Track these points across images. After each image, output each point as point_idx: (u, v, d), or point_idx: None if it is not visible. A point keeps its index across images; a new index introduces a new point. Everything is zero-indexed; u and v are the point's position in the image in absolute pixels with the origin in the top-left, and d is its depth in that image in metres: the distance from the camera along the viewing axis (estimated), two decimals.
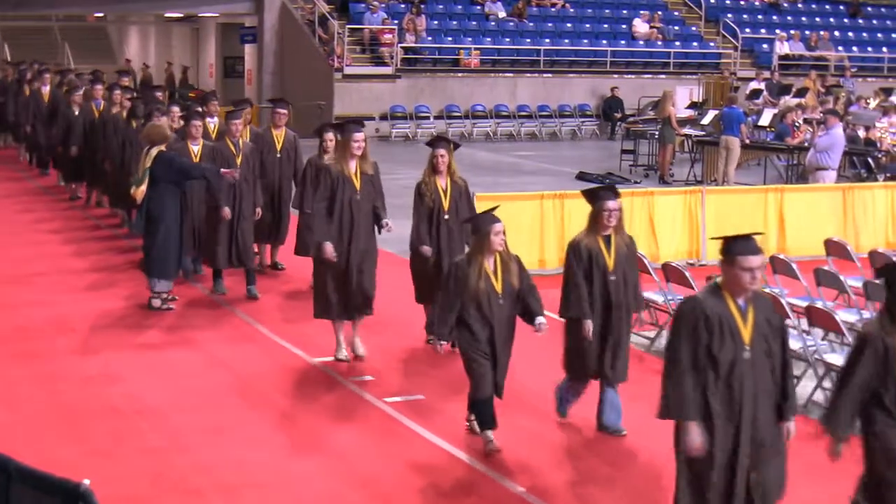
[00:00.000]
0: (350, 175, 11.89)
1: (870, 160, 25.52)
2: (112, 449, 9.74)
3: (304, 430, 10.34)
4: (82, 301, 14.60)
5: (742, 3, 42.60)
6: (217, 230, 14.68)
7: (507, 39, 37.40)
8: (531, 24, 38.19)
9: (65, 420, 10.46)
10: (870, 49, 41.83)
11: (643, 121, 31.05)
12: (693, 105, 31.75)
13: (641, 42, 38.83)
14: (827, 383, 11.12)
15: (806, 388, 11.23)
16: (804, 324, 11.63)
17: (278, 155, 16.07)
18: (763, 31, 41.00)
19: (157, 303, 14.23)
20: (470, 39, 36.83)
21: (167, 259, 14.08)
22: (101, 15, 47.47)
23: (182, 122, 16.30)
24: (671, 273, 13.06)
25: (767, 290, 11.91)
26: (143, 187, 14.31)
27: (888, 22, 44.03)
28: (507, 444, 9.80)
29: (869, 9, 44.40)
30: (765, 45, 40.01)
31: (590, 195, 10.15)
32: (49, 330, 13.36)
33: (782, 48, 39.36)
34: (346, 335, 12.24)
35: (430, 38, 36.41)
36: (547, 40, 37.64)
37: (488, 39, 37.16)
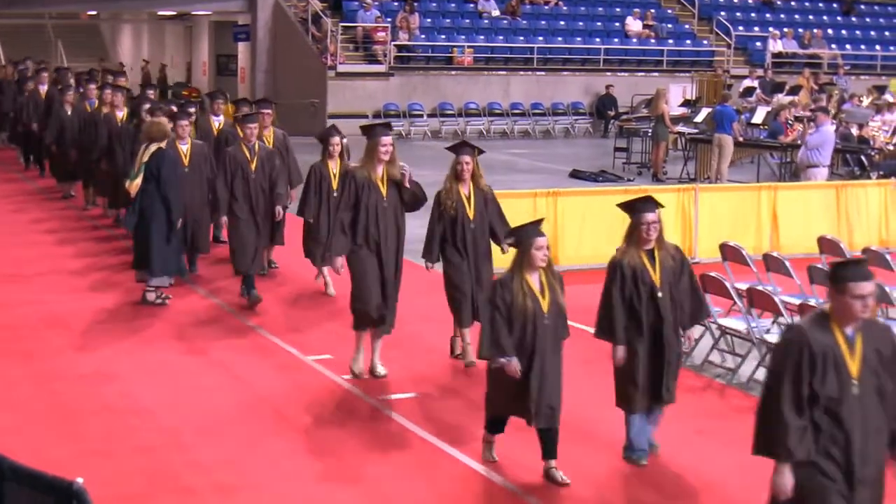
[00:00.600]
0: (377, 181, 11.26)
1: (863, 158, 25.55)
2: (106, 447, 9.73)
3: (299, 430, 10.33)
4: (76, 299, 14.59)
5: (735, 0, 42.64)
6: (240, 236, 14.24)
7: (501, 37, 37.41)
8: (524, 21, 38.20)
9: (59, 418, 10.45)
10: (863, 47, 41.88)
11: (636, 119, 31.07)
12: (686, 103, 31.78)
13: (635, 40, 38.85)
14: None
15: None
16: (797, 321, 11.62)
17: None
18: (756, 28, 41.04)
19: (151, 297, 14.24)
20: (463, 37, 36.83)
21: (160, 255, 14.08)
22: (94, 13, 47.43)
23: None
24: None
25: (760, 288, 11.95)
26: (138, 181, 14.35)
27: (881, 20, 44.09)
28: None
29: (862, 7, 44.47)
30: (758, 43, 40.05)
31: (627, 207, 9.49)
32: (43, 328, 13.34)
33: (775, 46, 39.40)
34: (366, 349, 11.65)
35: (423, 36, 36.40)
36: (540, 38, 37.66)
37: (482, 37, 37.17)
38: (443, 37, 36.78)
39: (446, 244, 11.74)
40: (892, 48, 41.88)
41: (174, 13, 45.31)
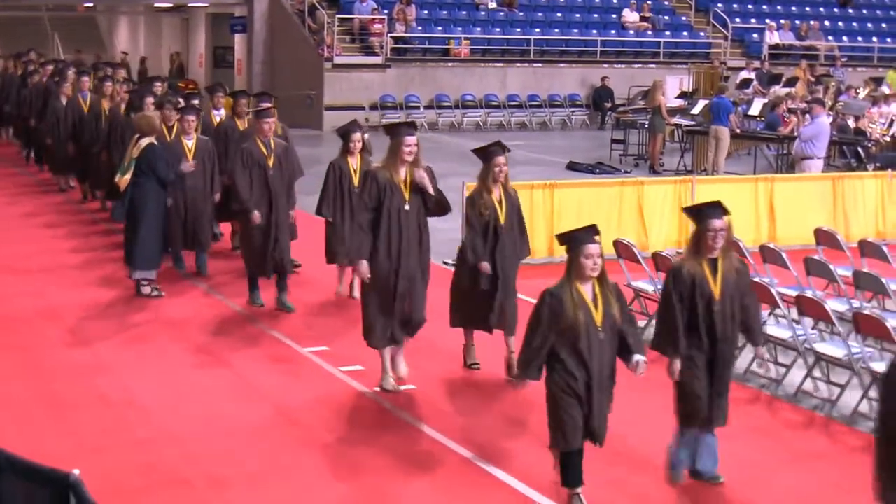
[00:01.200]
0: (399, 183, 10.66)
1: (859, 150, 25.55)
2: (102, 440, 9.73)
3: (295, 422, 10.33)
4: (72, 292, 14.57)
5: None
6: (252, 238, 13.62)
7: (497, 29, 37.36)
8: (521, 13, 38.15)
9: (54, 411, 10.45)
10: (860, 39, 41.86)
11: (633, 110, 31.04)
12: (683, 95, 31.75)
13: (631, 32, 38.80)
14: (817, 372, 11.15)
15: (796, 377, 11.26)
16: (794, 313, 11.65)
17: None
18: (753, 20, 41.00)
19: (146, 290, 14.24)
20: (460, 29, 36.78)
21: (146, 249, 14.08)
22: (90, 5, 47.36)
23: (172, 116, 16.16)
24: (661, 262, 13.07)
25: (757, 280, 11.95)
26: (128, 176, 14.32)
27: (878, 12, 44.05)
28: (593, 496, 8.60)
29: None
30: (755, 35, 40.02)
31: (694, 213, 8.95)
32: (38, 321, 13.33)
33: (772, 38, 39.36)
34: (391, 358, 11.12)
35: (419, 28, 36.35)
36: (537, 30, 37.61)
37: (478, 29, 37.11)
38: (439, 28, 36.72)
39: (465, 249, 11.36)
40: (888, 40, 41.85)
41: (171, 5, 45.25)
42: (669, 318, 8.69)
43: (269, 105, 15.39)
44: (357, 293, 13.33)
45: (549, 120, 36.44)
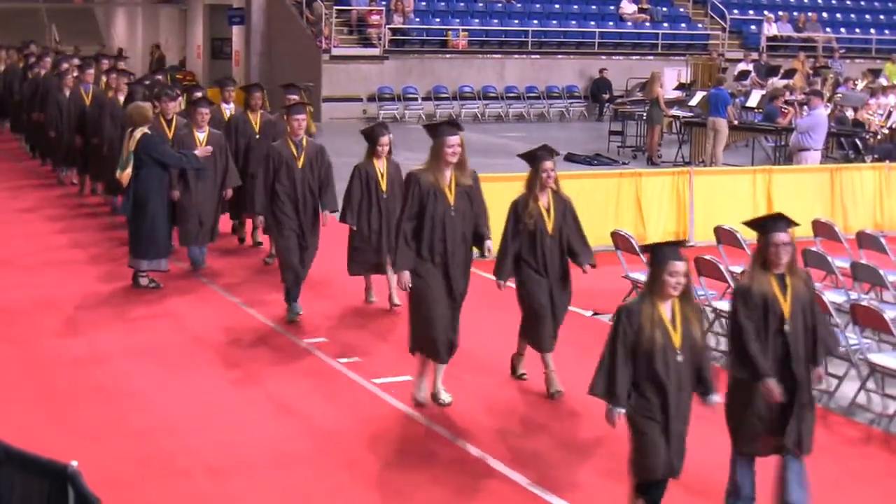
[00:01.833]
0: (443, 188, 10.04)
1: (857, 141, 25.55)
2: (100, 431, 9.73)
3: (294, 412, 10.33)
4: (69, 283, 14.56)
5: None
6: (286, 244, 12.91)
7: (495, 20, 37.34)
8: (519, 4, 38.11)
9: (52, 402, 10.44)
10: (858, 30, 41.82)
11: (631, 102, 31.04)
12: (681, 86, 31.74)
13: (629, 23, 38.78)
14: None
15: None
16: None
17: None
18: (751, 12, 40.97)
19: (143, 281, 14.23)
20: (458, 20, 36.76)
21: (154, 241, 14.07)
22: None
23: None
24: None
25: None
26: (129, 170, 14.31)
27: (876, 3, 44.01)
28: None
29: None
30: (753, 27, 40.00)
31: (758, 226, 8.26)
32: (36, 312, 13.32)
33: (770, 29, 39.34)
34: (428, 375, 10.48)
35: (417, 20, 36.32)
36: (535, 21, 37.58)
37: (476, 20, 37.09)
38: (437, 20, 36.70)
39: (521, 261, 10.60)
40: (886, 32, 41.82)
41: None
42: (744, 342, 8.01)
43: (297, 99, 15.20)
44: (397, 301, 13.25)
45: (547, 111, 36.43)
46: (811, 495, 8.19)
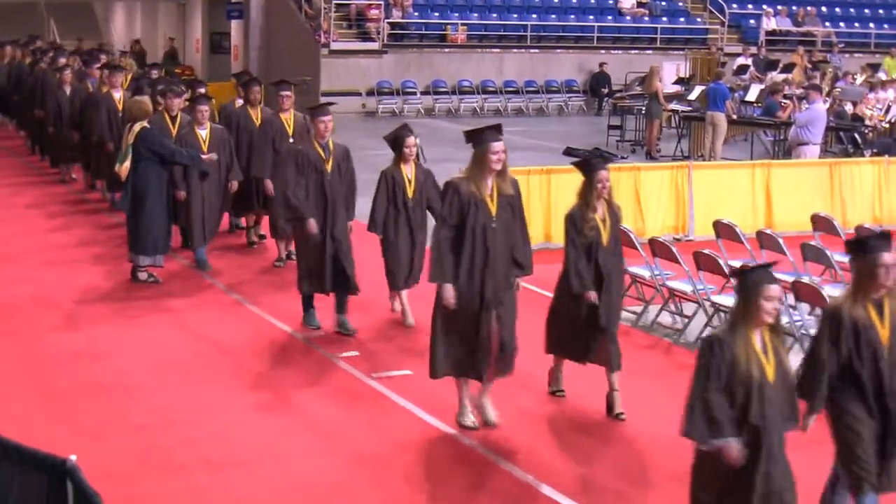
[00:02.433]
0: (485, 197, 9.43)
1: (857, 135, 25.54)
2: (98, 426, 9.73)
3: (293, 407, 10.33)
4: (68, 279, 14.55)
5: None
6: (308, 251, 12.19)
7: (494, 15, 37.30)
8: None
9: (50, 397, 10.45)
10: (857, 25, 41.79)
11: (630, 96, 30.98)
12: (680, 80, 31.70)
13: (628, 17, 38.75)
14: None
15: (793, 362, 11.21)
16: (791, 299, 11.65)
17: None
18: (750, 6, 40.92)
19: (142, 276, 14.22)
20: (457, 15, 36.72)
21: (152, 236, 14.06)
22: None
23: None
24: (658, 248, 13.06)
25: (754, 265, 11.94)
26: (127, 164, 14.31)
27: None
28: None
29: None
30: (752, 21, 39.95)
31: (858, 246, 7.51)
32: (34, 307, 13.32)
33: (769, 24, 39.30)
34: (471, 395, 9.84)
35: (416, 14, 36.29)
36: (534, 16, 37.55)
37: (475, 15, 37.06)
38: (436, 14, 36.66)
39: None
40: (885, 26, 41.76)
41: None
42: (817, 366, 7.47)
43: (290, 95, 15.11)
44: (411, 320, 12.60)
45: (546, 106, 36.40)
46: None
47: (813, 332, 11.11)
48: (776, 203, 18.05)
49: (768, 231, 13.97)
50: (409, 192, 12.43)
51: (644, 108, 27.64)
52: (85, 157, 20.27)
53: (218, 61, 41.30)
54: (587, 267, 9.91)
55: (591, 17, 38.21)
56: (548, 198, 16.55)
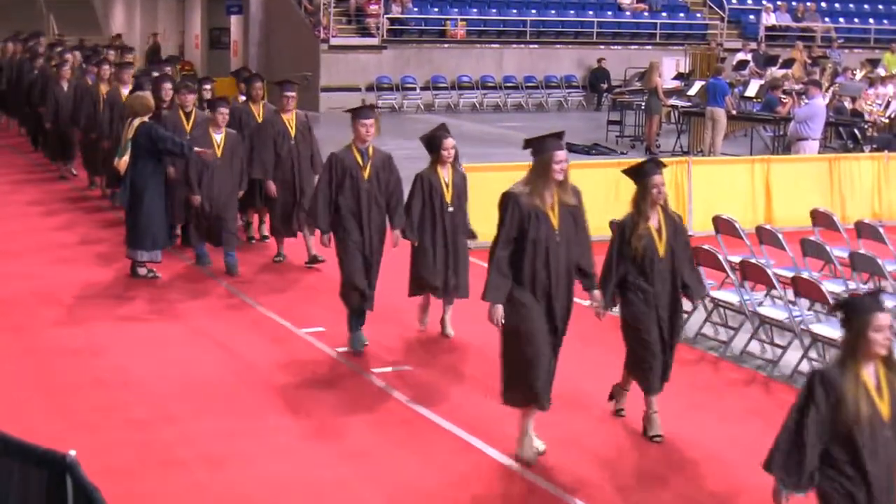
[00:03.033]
0: (546, 209, 8.79)
1: (856, 131, 25.54)
2: (97, 421, 9.73)
3: (291, 403, 10.32)
4: (68, 274, 14.55)
5: None
6: (350, 261, 11.37)
7: (494, 10, 37.27)
8: None
9: (50, 392, 10.45)
10: (856, 20, 41.75)
11: (630, 92, 31.01)
12: (679, 76, 31.70)
13: (628, 13, 38.73)
14: (812, 353, 11.15)
15: (792, 358, 11.25)
16: (790, 294, 11.65)
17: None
18: (750, 1, 40.87)
19: (142, 271, 14.22)
20: (456, 10, 36.70)
21: (151, 230, 14.04)
22: None
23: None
24: None
25: (753, 261, 11.96)
26: (126, 158, 14.30)
27: None
28: None
29: None
30: (751, 16, 39.93)
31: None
32: (34, 303, 13.32)
33: (769, 19, 39.28)
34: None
35: (416, 9, 36.27)
36: (533, 11, 37.52)
37: (475, 10, 37.03)
38: (436, 9, 36.65)
39: (626, 289, 9.41)
40: (885, 21, 41.74)
41: None
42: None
43: (294, 95, 14.89)
44: (451, 329, 12.11)
45: (546, 101, 36.39)
46: None
47: (813, 327, 11.16)
48: (776, 198, 18.06)
49: (768, 226, 13.97)
50: (448, 197, 11.76)
51: (643, 104, 27.63)
52: (84, 154, 20.18)
53: (217, 57, 41.28)
54: (615, 281, 9.30)
55: (591, 12, 38.19)
56: None
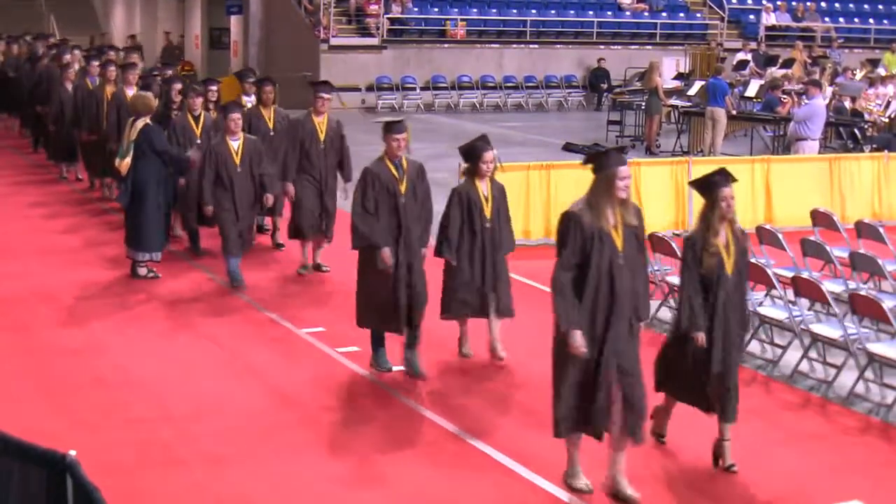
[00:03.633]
0: (609, 230, 8.15)
1: (856, 131, 25.54)
2: (98, 420, 9.73)
3: (291, 401, 10.33)
4: (68, 274, 14.56)
5: None
6: (378, 283, 10.72)
7: (494, 10, 37.29)
8: None
9: (50, 391, 10.45)
10: (856, 20, 41.77)
11: (630, 92, 31.01)
12: (680, 76, 31.71)
13: (628, 13, 38.75)
14: (813, 353, 11.15)
15: (792, 358, 11.26)
16: (790, 294, 11.65)
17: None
18: (750, 1, 40.90)
19: (142, 271, 14.22)
20: (456, 10, 36.72)
21: (151, 231, 14.05)
22: None
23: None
24: (657, 243, 13.04)
25: (753, 261, 11.96)
26: (128, 159, 14.29)
27: None
28: None
29: None
30: (751, 16, 39.95)
31: None
32: (35, 302, 13.33)
33: (769, 19, 39.29)
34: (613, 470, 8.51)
35: (416, 9, 36.29)
36: (533, 11, 37.54)
37: (475, 10, 37.05)
38: (436, 9, 36.66)
39: None
40: (885, 21, 41.76)
41: None
42: None
43: (329, 98, 14.30)
44: (503, 352, 11.34)
45: (546, 101, 36.41)
46: None
47: (813, 327, 11.16)
48: (776, 198, 18.05)
49: (768, 226, 13.97)
50: (487, 212, 11.11)
51: (644, 104, 27.65)
52: (85, 156, 20.15)
53: (217, 57, 41.28)
54: (702, 303, 8.79)
55: (591, 12, 38.21)
56: (547, 193, 16.56)
